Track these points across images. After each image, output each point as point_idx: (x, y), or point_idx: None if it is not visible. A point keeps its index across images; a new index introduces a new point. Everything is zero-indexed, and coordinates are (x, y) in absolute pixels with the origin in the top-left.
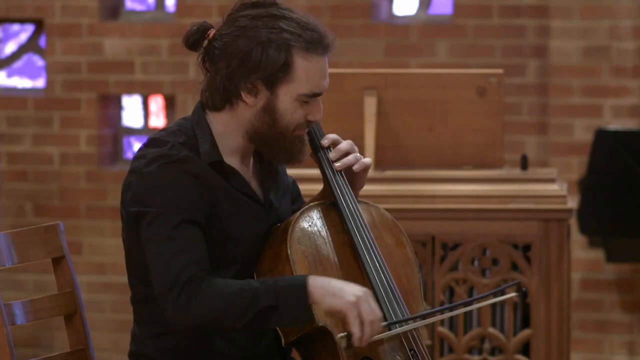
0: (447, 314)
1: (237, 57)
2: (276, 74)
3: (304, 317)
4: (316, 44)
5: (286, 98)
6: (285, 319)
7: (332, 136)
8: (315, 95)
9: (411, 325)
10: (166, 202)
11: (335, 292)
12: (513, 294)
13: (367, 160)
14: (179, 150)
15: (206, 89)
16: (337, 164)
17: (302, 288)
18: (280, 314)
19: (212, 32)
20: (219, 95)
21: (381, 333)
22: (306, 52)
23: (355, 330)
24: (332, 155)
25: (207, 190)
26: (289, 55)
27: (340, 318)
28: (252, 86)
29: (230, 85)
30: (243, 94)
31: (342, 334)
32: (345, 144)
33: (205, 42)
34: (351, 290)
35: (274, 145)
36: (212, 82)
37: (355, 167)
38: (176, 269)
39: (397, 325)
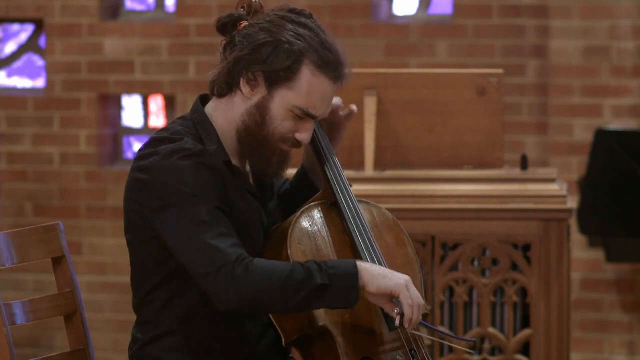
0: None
1: (251, 46)
2: (278, 75)
3: (353, 298)
4: (329, 66)
5: (281, 103)
6: (336, 300)
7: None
8: (309, 115)
9: (426, 335)
10: (194, 191)
11: (385, 274)
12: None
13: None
14: (194, 144)
15: (216, 75)
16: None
17: (353, 269)
18: (332, 294)
19: (243, 24)
20: (224, 79)
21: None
22: (317, 68)
23: (407, 311)
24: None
25: (223, 185)
26: (298, 63)
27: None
28: (252, 77)
29: (234, 69)
30: (242, 82)
31: (397, 310)
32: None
33: (235, 32)
34: (399, 275)
35: (255, 148)
36: (223, 67)
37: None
38: (224, 249)
39: (420, 327)
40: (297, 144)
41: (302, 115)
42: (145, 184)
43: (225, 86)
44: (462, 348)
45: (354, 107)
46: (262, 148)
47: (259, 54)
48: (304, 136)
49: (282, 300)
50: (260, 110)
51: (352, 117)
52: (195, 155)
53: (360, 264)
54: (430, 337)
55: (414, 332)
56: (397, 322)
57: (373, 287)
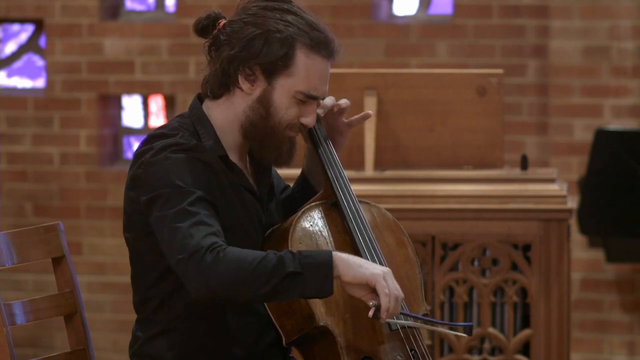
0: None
1: (241, 42)
2: (276, 64)
3: (326, 289)
4: (321, 45)
5: (283, 91)
6: (309, 288)
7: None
8: (312, 97)
9: (418, 325)
10: (180, 182)
11: (361, 264)
12: (463, 335)
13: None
14: (188, 139)
15: (207, 77)
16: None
17: (328, 258)
18: (304, 282)
19: (222, 22)
20: (218, 81)
21: (399, 316)
22: (309, 50)
23: (384, 300)
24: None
25: (216, 180)
26: (292, 49)
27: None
28: (250, 72)
29: (229, 69)
30: (240, 79)
31: (373, 302)
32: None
33: (215, 31)
34: (377, 265)
35: (264, 141)
36: (213, 68)
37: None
38: (198, 237)
39: (407, 317)
40: (303, 128)
41: (305, 99)
42: (139, 178)
43: (221, 86)
44: (460, 334)
45: (370, 113)
46: (270, 139)
47: (252, 48)
48: (309, 119)
49: (253, 287)
50: (264, 103)
51: (357, 124)
52: (188, 149)
53: (337, 254)
54: (431, 328)
55: (408, 325)
56: (371, 313)
57: (349, 276)
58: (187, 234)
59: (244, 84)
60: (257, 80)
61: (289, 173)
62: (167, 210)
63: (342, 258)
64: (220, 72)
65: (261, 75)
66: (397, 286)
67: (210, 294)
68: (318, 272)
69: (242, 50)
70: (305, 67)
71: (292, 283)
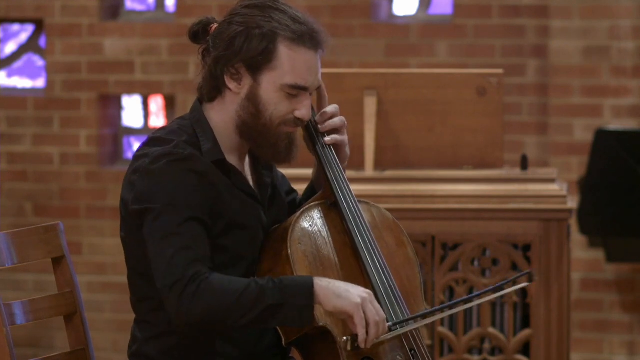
0: (448, 312)
1: (224, 42)
2: (257, 59)
3: (307, 318)
4: (305, 37)
5: (269, 87)
6: (289, 318)
7: (332, 109)
8: (300, 87)
9: (414, 325)
10: (172, 199)
11: (340, 293)
12: (525, 284)
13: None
14: (183, 148)
15: (201, 82)
16: (326, 139)
17: (308, 288)
18: (285, 312)
19: (214, 26)
20: (209, 84)
21: (385, 334)
22: (292, 42)
23: (361, 332)
24: (321, 127)
25: (211, 189)
26: (273, 43)
27: (343, 320)
28: (235, 71)
29: (216, 70)
30: (227, 79)
31: (346, 337)
32: (338, 120)
33: (208, 36)
34: (356, 292)
35: (258, 139)
36: (205, 72)
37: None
38: (181, 265)
39: (398, 326)
40: (299, 122)
41: (294, 92)
42: (133, 185)
43: (213, 89)
44: (461, 308)
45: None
46: (265, 137)
47: (234, 47)
48: (303, 112)
49: (232, 319)
50: (252, 101)
51: (332, 111)
52: (183, 160)
53: (318, 283)
54: (446, 314)
55: (410, 325)
56: (349, 346)
57: (329, 306)
58: (171, 262)
59: (230, 84)
60: (243, 78)
61: (294, 173)
62: (156, 230)
63: (323, 287)
64: (209, 75)
65: (246, 73)
66: (377, 309)
67: (191, 323)
68: (298, 301)
69: (225, 50)
70: (290, 60)
71: (272, 314)
